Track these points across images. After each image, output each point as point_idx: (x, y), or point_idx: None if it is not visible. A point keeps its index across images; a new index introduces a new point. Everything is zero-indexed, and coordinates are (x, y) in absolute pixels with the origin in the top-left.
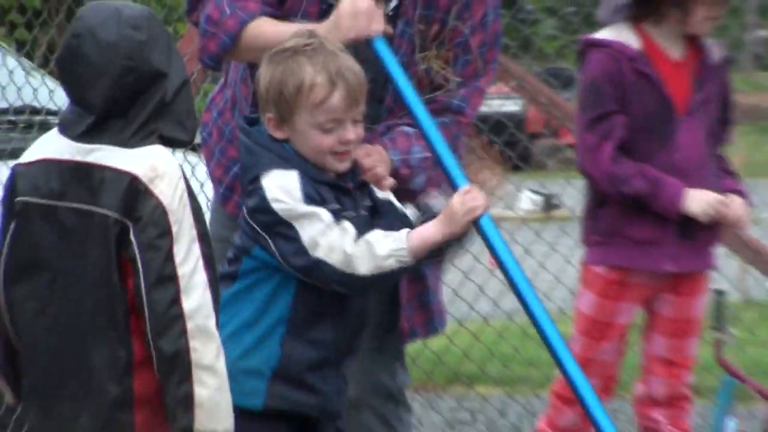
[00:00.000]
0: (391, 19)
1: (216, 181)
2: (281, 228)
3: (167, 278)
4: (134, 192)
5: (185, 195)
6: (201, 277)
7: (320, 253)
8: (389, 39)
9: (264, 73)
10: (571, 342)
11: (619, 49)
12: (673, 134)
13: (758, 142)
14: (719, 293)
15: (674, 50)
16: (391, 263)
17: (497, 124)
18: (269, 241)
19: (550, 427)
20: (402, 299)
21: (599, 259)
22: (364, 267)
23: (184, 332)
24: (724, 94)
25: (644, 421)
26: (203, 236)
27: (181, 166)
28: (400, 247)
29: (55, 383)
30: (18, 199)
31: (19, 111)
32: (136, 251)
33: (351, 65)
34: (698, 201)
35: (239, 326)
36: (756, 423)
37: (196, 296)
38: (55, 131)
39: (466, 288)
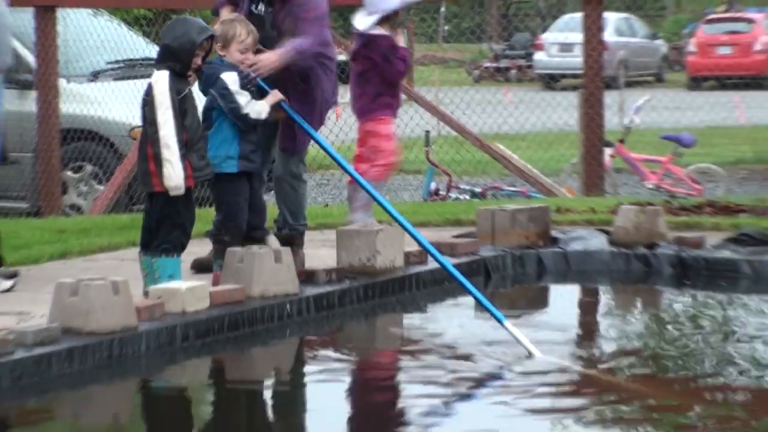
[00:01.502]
0: (268, 12)
1: None
2: (222, 96)
3: (154, 122)
4: (150, 88)
5: (166, 91)
6: (169, 124)
7: (233, 105)
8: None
9: (218, 28)
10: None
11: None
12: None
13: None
14: (427, 132)
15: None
16: (260, 115)
17: (340, 64)
18: (219, 100)
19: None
20: (297, 135)
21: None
22: (253, 114)
23: (159, 145)
24: (378, 51)
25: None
26: (174, 109)
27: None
28: (262, 108)
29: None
30: None
31: (145, 59)
32: (148, 113)
33: (254, 29)
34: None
35: (221, 141)
36: (443, 185)
37: (165, 131)
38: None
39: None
